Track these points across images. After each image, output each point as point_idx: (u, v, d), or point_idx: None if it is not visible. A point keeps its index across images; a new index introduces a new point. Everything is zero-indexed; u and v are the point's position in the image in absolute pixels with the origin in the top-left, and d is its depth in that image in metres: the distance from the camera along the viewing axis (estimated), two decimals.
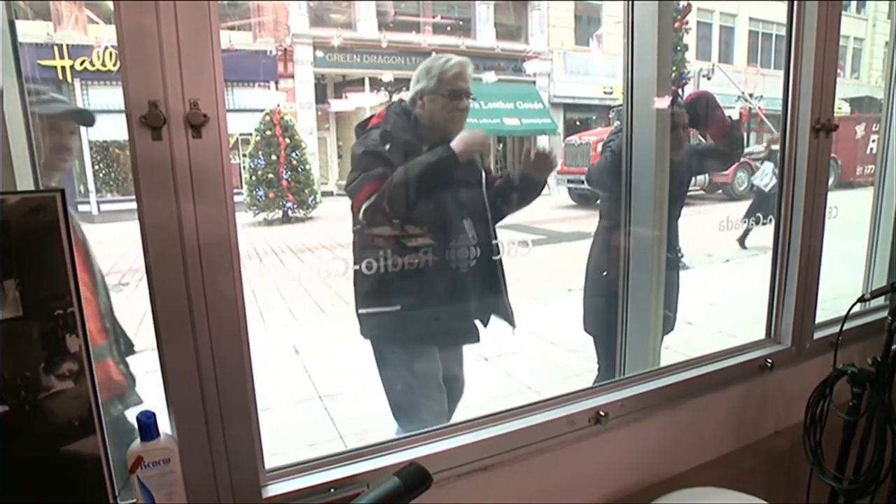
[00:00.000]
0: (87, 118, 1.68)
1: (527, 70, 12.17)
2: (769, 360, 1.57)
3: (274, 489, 0.98)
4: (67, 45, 8.09)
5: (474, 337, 1.88)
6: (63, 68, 8.15)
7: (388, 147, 1.63)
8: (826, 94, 1.52)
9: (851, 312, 1.54)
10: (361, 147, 1.66)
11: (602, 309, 2.12)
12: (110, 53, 8.00)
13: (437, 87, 1.68)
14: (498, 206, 1.87)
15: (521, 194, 1.87)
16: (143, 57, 0.78)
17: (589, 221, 1.93)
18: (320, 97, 10.38)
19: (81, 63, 8.21)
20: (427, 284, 1.74)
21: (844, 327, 1.50)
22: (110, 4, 0.78)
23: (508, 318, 1.89)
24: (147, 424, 0.85)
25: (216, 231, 0.86)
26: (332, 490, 1.01)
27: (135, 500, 0.86)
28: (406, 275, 1.69)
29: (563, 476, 1.29)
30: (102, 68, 8.26)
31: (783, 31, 1.54)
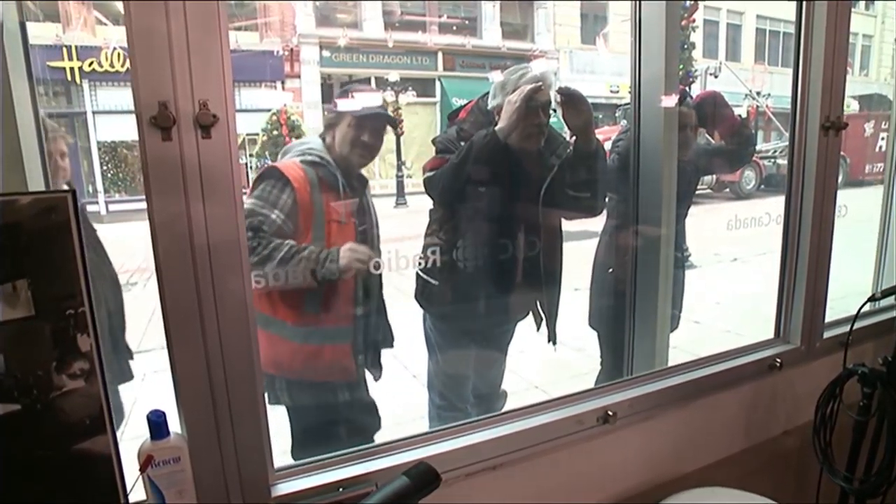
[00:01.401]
0: (392, 121, 1.78)
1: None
2: (778, 360, 1.56)
3: (283, 488, 0.99)
4: (76, 47, 8.16)
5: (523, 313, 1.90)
6: (72, 69, 8.22)
7: (462, 144, 1.65)
8: (835, 92, 1.51)
9: (861, 311, 1.53)
10: (440, 137, 1.77)
11: (607, 305, 2.13)
12: (118, 54, 8.06)
13: (512, 102, 1.58)
14: (567, 196, 1.73)
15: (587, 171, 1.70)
16: (153, 57, 0.78)
17: (596, 220, 1.92)
18: (326, 97, 10.39)
19: (90, 64, 8.28)
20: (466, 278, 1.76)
21: (854, 326, 1.50)
22: (118, 5, 0.78)
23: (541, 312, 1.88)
24: (157, 423, 0.85)
25: (225, 230, 0.86)
26: (341, 489, 1.01)
27: (146, 499, 0.87)
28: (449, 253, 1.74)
29: (570, 475, 1.29)
30: (111, 69, 8.31)
31: (791, 29, 1.54)
